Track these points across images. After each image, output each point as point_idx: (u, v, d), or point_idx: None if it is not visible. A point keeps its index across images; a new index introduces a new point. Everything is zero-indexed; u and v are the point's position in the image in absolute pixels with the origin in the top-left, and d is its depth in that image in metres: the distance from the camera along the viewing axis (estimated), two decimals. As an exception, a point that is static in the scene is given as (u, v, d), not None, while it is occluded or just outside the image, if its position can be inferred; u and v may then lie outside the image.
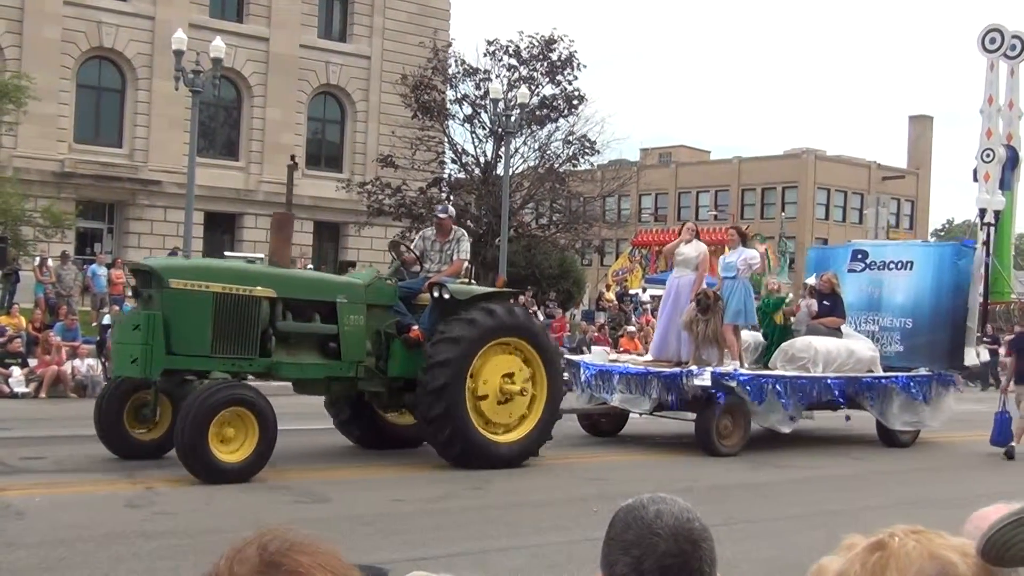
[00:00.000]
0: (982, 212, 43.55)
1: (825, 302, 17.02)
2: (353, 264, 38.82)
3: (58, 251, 29.43)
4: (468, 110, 39.55)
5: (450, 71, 39.94)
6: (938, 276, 17.32)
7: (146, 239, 39.61)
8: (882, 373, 16.54)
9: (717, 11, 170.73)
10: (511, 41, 39.07)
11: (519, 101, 33.52)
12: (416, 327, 12.65)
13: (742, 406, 14.81)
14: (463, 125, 40.14)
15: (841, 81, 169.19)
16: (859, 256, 18.29)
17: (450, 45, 42.06)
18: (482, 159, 40.03)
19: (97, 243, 39.63)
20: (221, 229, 41.77)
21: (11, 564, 7.83)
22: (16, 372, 19.45)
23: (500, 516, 10.25)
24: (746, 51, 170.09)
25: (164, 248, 37.82)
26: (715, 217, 60.87)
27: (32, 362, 20.11)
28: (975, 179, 46.70)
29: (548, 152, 40.26)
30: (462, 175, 41.29)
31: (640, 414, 15.80)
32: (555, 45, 39.01)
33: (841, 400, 16.00)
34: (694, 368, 14.69)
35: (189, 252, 26.96)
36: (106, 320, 23.87)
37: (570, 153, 40.25)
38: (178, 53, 25.55)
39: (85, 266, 29.54)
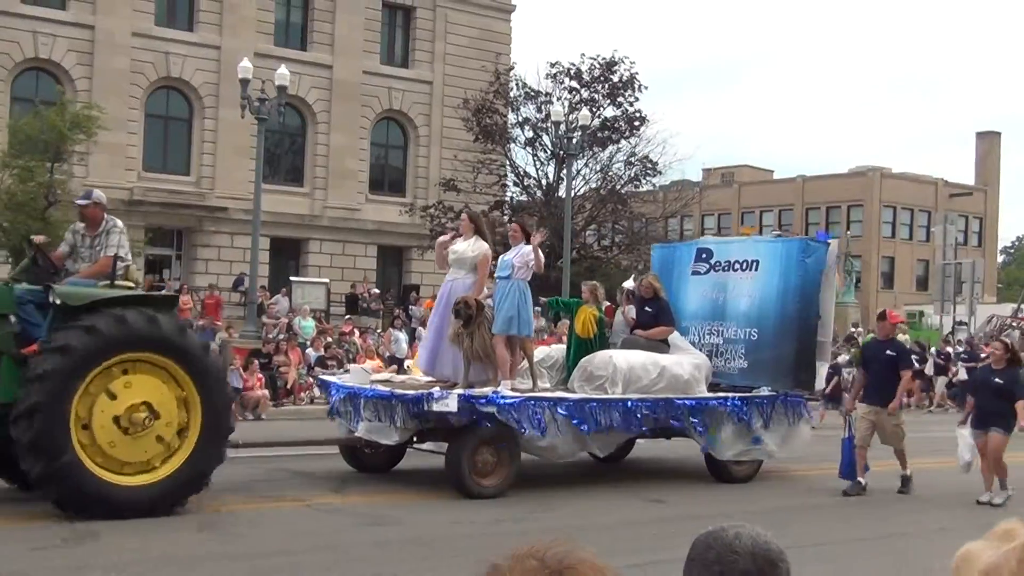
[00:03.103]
0: (1053, 228, 42.90)
1: (647, 308, 14.43)
2: (417, 289, 39.09)
3: (128, 278, 29.92)
4: (530, 133, 39.81)
5: (511, 94, 40.20)
6: (784, 277, 14.47)
7: (213, 265, 40.22)
8: (706, 394, 13.88)
9: (778, 30, 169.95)
10: (572, 64, 39.29)
11: (580, 123, 33.64)
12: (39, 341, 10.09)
13: (508, 437, 12.14)
14: (525, 148, 40.42)
15: (907, 97, 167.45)
16: (703, 256, 15.50)
17: (511, 69, 42.34)
18: (544, 181, 40.22)
19: (166, 269, 40.32)
20: (287, 255, 42.30)
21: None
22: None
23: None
24: (808, 68, 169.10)
25: (231, 274, 38.41)
26: (778, 237, 60.34)
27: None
28: (1045, 195, 46.13)
29: (610, 173, 40.38)
30: (524, 198, 41.50)
31: (393, 445, 12.90)
32: (616, 67, 39.14)
33: (645, 428, 13.35)
34: (435, 391, 12.07)
35: (256, 278, 27.32)
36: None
37: (632, 174, 40.34)
38: (244, 81, 25.98)
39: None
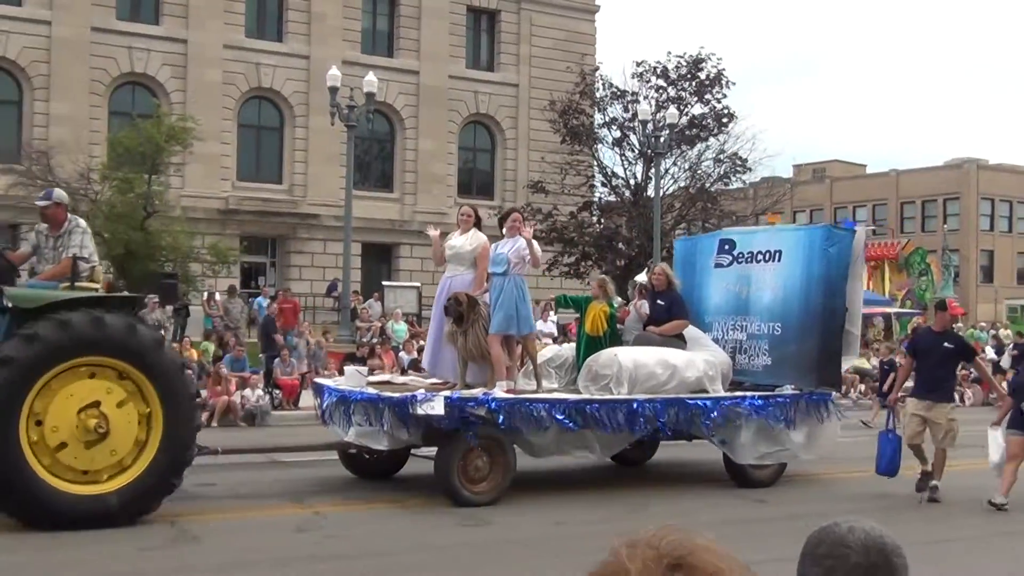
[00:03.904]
0: None
1: (660, 301, 13.63)
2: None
3: (224, 286, 30.56)
4: (617, 133, 39.69)
5: (598, 95, 40.12)
6: (807, 268, 13.54)
7: (307, 271, 40.81)
8: (723, 393, 12.97)
9: (867, 19, 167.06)
10: (658, 62, 39.08)
11: (668, 121, 33.42)
12: None
13: (501, 440, 11.56)
14: (612, 148, 40.31)
15: (1002, 87, 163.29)
16: (726, 247, 14.59)
17: (597, 69, 42.28)
18: (632, 181, 40.06)
19: (261, 276, 41.02)
20: (378, 259, 42.73)
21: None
22: (188, 403, 20.19)
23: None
24: (900, 59, 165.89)
25: (324, 280, 38.93)
26: (873, 232, 59.36)
27: (203, 392, 20.88)
28: None
29: (699, 172, 40.07)
30: (612, 198, 41.37)
31: (381, 451, 12.11)
32: (703, 64, 38.84)
33: (666, 430, 12.57)
34: (420, 393, 11.39)
35: (348, 283, 27.63)
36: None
37: (721, 172, 39.98)
38: (333, 90, 26.26)
39: (251, 299, 30.59)
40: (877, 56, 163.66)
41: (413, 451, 12.59)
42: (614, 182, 40.63)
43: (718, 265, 14.59)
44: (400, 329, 28.32)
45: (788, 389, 13.33)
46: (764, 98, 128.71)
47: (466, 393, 11.58)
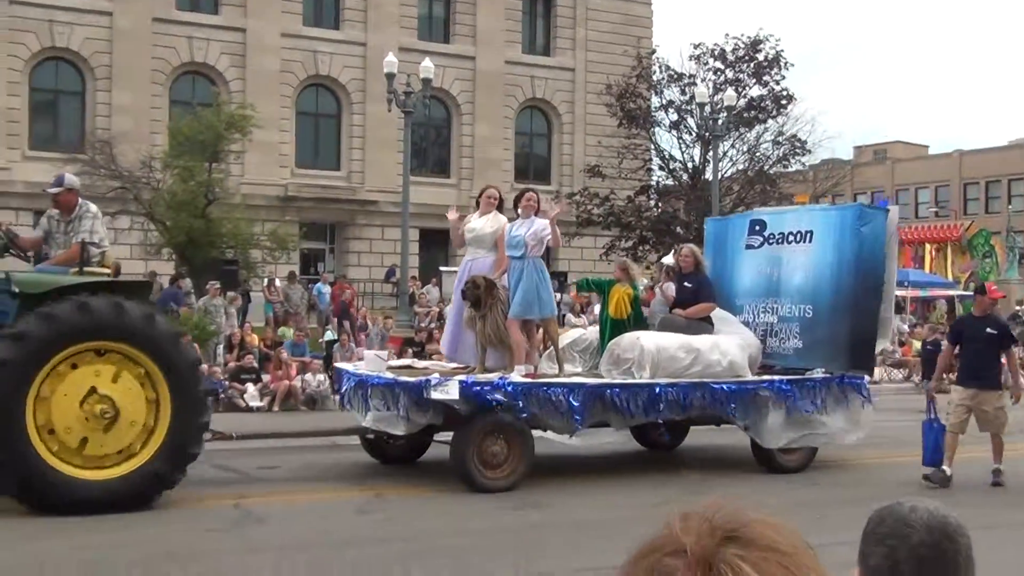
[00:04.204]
0: None
1: (686, 283, 13.32)
2: (565, 276, 39.18)
3: (284, 272, 30.86)
4: (674, 116, 39.42)
5: (654, 78, 39.88)
6: (839, 248, 13.07)
7: (365, 257, 41.07)
8: (749, 377, 12.65)
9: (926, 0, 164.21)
10: (716, 44, 38.77)
11: (726, 104, 33.15)
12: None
13: (519, 426, 11.39)
14: (669, 131, 40.02)
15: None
16: (757, 228, 14.16)
17: (654, 52, 41.98)
18: (690, 164, 39.78)
19: (320, 263, 41.34)
20: (436, 245, 42.85)
21: (257, 568, 8.32)
22: (250, 387, 20.49)
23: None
24: (962, 37, 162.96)
25: (383, 266, 39.16)
26: (936, 214, 58.51)
27: (265, 377, 21.15)
28: None
29: (757, 154, 39.68)
30: (670, 182, 41.12)
31: (397, 436, 11.92)
32: (761, 45, 38.46)
33: (687, 413, 12.38)
34: (434, 377, 11.22)
35: (407, 268, 27.76)
36: (329, 335, 24.92)
37: (780, 154, 39.58)
38: (389, 76, 26.35)
39: (310, 285, 30.85)
40: (940, 36, 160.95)
41: (436, 437, 12.49)
42: (671, 165, 40.37)
43: (749, 246, 14.22)
44: (458, 314, 28.40)
45: (819, 373, 13.04)
46: (824, 80, 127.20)
47: (482, 377, 11.46)
